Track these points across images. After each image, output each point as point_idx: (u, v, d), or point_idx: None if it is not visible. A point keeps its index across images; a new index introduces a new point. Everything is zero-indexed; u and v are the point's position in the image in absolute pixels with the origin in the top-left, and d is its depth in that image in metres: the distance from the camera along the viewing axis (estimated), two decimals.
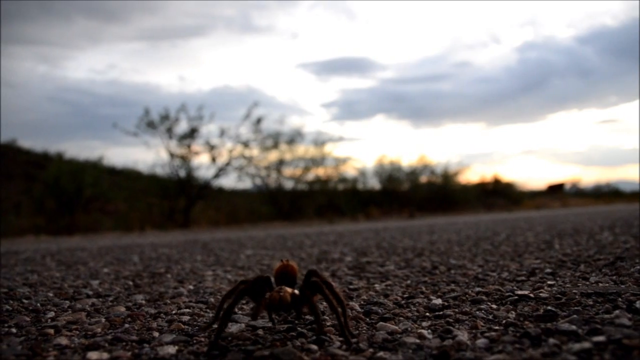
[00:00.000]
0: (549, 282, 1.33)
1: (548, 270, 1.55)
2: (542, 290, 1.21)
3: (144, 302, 1.32)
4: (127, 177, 13.56)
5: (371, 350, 0.79)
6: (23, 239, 7.27)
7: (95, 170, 12.56)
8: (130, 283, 1.69)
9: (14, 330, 1.02)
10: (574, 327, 0.83)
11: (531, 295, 1.14)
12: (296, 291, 0.90)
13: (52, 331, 0.99)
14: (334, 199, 14.15)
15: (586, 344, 0.73)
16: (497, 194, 18.02)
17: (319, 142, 14.20)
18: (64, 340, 0.91)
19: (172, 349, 0.81)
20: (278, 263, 1.00)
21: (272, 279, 0.97)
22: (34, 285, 1.72)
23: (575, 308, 0.99)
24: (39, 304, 1.33)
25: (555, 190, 21.25)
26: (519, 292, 1.18)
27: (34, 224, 9.89)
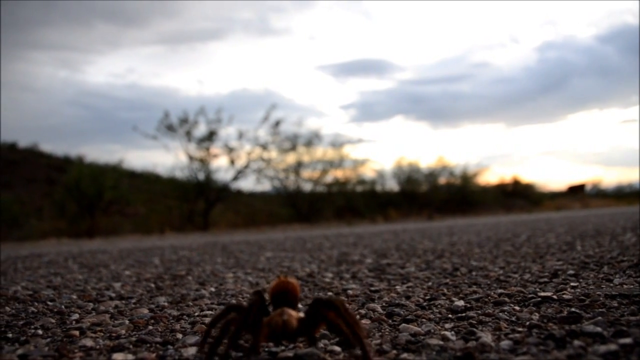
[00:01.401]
0: (572, 284, 1.31)
1: (571, 271, 1.54)
2: (565, 292, 1.20)
3: (166, 304, 1.33)
4: (147, 180, 13.68)
5: (395, 351, 0.79)
6: (45, 242, 7.37)
7: (115, 174, 12.70)
8: (152, 285, 1.71)
9: (40, 332, 1.04)
10: (599, 329, 0.82)
11: (554, 297, 1.13)
12: (301, 314, 0.76)
13: (77, 333, 1.00)
14: (353, 201, 14.14)
15: (612, 346, 0.72)
16: (517, 195, 17.87)
17: (337, 144, 14.21)
18: (89, 342, 0.92)
19: (195, 351, 0.81)
20: (274, 281, 0.83)
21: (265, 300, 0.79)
22: (57, 288, 1.74)
23: (600, 310, 0.97)
24: (63, 306, 1.35)
25: (576, 191, 20.99)
26: (542, 294, 1.17)
27: (55, 228, 10.02)
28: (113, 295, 1.52)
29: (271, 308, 0.79)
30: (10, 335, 1.01)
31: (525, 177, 22.19)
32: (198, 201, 12.28)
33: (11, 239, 8.27)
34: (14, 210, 10.97)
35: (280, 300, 0.79)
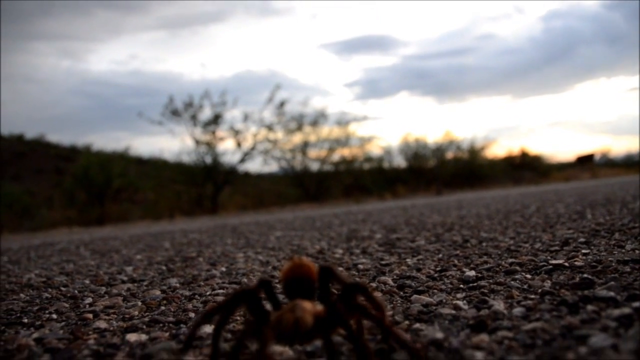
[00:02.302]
0: (583, 251, 1.30)
1: (582, 239, 1.53)
2: (576, 259, 1.19)
3: (178, 285, 1.34)
4: (154, 166, 13.72)
5: (407, 322, 0.79)
6: (57, 231, 7.43)
7: (123, 161, 12.75)
8: (164, 268, 1.71)
9: (54, 316, 1.05)
10: (612, 294, 0.81)
11: (566, 264, 1.13)
12: (319, 306, 0.63)
13: (90, 316, 1.01)
14: (360, 179, 14.14)
15: (626, 310, 0.72)
16: (525, 167, 17.79)
17: (343, 122, 14.17)
18: (102, 324, 0.93)
19: (209, 329, 0.82)
20: (286, 264, 0.69)
21: (262, 292, 0.66)
22: (70, 274, 1.75)
23: (612, 275, 0.97)
24: (76, 291, 1.36)
25: (585, 161, 20.85)
26: (553, 262, 1.16)
27: (66, 217, 10.09)
28: (125, 278, 1.53)
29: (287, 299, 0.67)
30: (25, 320, 1.02)
31: (533, 149, 22.08)
32: (206, 185, 12.32)
33: (23, 230, 8.34)
34: (24, 201, 11.06)
35: (293, 289, 0.66)
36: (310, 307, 0.60)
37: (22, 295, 1.36)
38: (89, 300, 1.21)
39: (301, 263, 0.68)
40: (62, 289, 1.42)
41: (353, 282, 0.64)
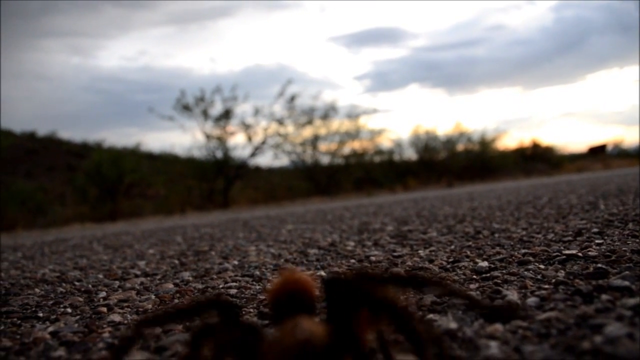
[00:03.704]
0: (596, 241, 1.29)
1: (595, 229, 1.52)
2: (590, 249, 1.18)
3: (190, 278, 1.35)
4: (165, 162, 13.79)
5: (420, 313, 0.79)
6: (70, 227, 7.49)
7: (134, 157, 12.81)
8: (176, 262, 1.72)
9: (69, 310, 1.06)
10: (627, 283, 0.80)
11: (579, 254, 1.12)
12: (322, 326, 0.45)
13: (104, 309, 1.02)
14: (371, 172, 14.12)
15: None
16: (537, 159, 17.66)
17: (353, 115, 14.16)
18: (117, 317, 0.94)
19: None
20: (275, 280, 0.55)
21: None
22: (84, 269, 1.77)
23: (627, 265, 0.96)
24: (90, 285, 1.37)
25: (597, 152, 20.68)
26: (567, 252, 1.15)
27: (78, 213, 10.17)
28: (138, 272, 1.54)
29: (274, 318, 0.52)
30: (40, 314, 1.03)
31: (545, 140, 21.91)
32: (217, 179, 12.36)
33: (37, 226, 8.42)
34: (37, 198, 11.16)
35: (288, 308, 0.50)
36: (315, 325, 0.45)
37: (37, 290, 1.37)
38: (103, 294, 1.22)
39: (295, 277, 0.52)
40: (76, 283, 1.43)
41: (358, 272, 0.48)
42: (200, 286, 1.20)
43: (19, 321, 0.98)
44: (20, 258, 2.41)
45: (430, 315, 0.76)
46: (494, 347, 0.60)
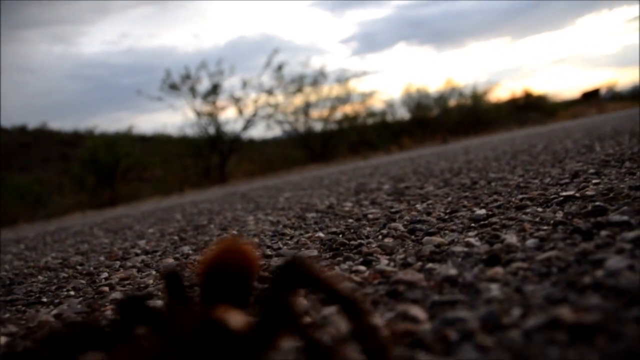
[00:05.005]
0: (594, 181, 1.29)
1: (592, 170, 1.51)
2: (587, 189, 1.18)
3: (191, 252, 1.35)
4: (159, 142, 13.73)
5: (420, 263, 0.79)
6: (70, 216, 7.49)
7: (128, 141, 12.75)
8: (176, 238, 1.72)
9: (72, 293, 1.06)
10: (625, 218, 0.80)
11: (577, 195, 1.12)
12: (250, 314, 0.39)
13: (107, 289, 1.02)
14: (365, 135, 14.08)
15: None
16: (530, 108, 17.58)
17: (343, 79, 14.06)
18: (118, 295, 0.94)
19: None
20: (213, 247, 0.48)
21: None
22: (85, 253, 1.77)
23: (625, 201, 0.96)
24: (92, 268, 1.37)
25: (590, 97, 20.59)
26: (564, 194, 1.15)
27: (77, 201, 10.17)
28: (139, 251, 1.54)
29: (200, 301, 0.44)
30: (45, 299, 1.03)
31: (537, 89, 21.81)
32: (212, 155, 12.33)
33: (38, 218, 8.42)
34: (35, 190, 11.15)
35: (217, 292, 0.42)
36: (239, 317, 0.37)
37: (40, 277, 1.37)
38: (105, 275, 1.22)
39: (238, 248, 0.44)
40: (78, 267, 1.43)
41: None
42: (200, 258, 1.20)
43: (24, 307, 0.98)
44: (23, 250, 2.42)
45: (430, 264, 0.76)
46: (494, 289, 0.60)
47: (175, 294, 0.43)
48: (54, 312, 0.89)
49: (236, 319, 0.37)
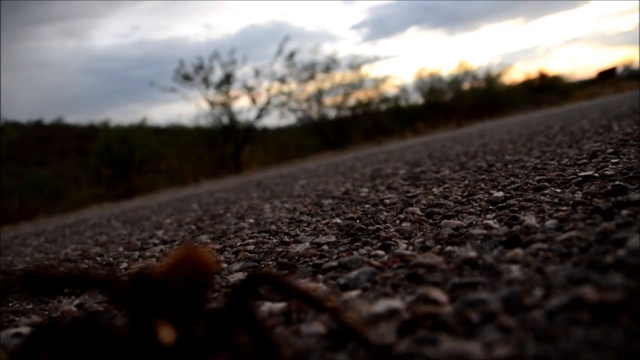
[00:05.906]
0: (612, 161, 1.28)
1: (610, 150, 1.50)
2: (606, 169, 1.17)
3: (208, 240, 1.35)
4: (173, 133, 13.76)
5: (439, 246, 0.78)
6: (88, 209, 7.56)
7: (142, 132, 12.81)
8: (193, 227, 1.73)
9: None
10: None
11: (596, 175, 1.10)
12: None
13: (127, 279, 1.03)
14: (379, 120, 14.01)
15: None
16: (545, 90, 17.38)
17: (355, 65, 13.98)
18: None
19: (242, 275, 0.82)
20: (172, 254, 0.46)
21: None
22: (104, 244, 1.79)
23: None
24: (111, 259, 1.38)
25: (606, 76, 20.27)
26: (582, 174, 1.14)
27: (94, 194, 10.26)
28: (157, 242, 1.55)
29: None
30: (66, 290, 1.04)
31: (552, 70, 21.51)
32: (226, 145, 12.35)
33: (56, 211, 8.51)
34: (53, 184, 11.27)
35: (168, 300, 0.39)
36: (168, 332, 0.36)
37: (60, 269, 1.38)
38: (124, 265, 1.23)
39: (197, 254, 0.42)
40: (98, 258, 1.45)
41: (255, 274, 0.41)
42: (218, 246, 1.21)
43: (46, 299, 0.99)
44: (43, 242, 2.45)
45: (449, 247, 0.76)
46: (515, 270, 0.59)
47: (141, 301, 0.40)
48: (76, 302, 0.90)
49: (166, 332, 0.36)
